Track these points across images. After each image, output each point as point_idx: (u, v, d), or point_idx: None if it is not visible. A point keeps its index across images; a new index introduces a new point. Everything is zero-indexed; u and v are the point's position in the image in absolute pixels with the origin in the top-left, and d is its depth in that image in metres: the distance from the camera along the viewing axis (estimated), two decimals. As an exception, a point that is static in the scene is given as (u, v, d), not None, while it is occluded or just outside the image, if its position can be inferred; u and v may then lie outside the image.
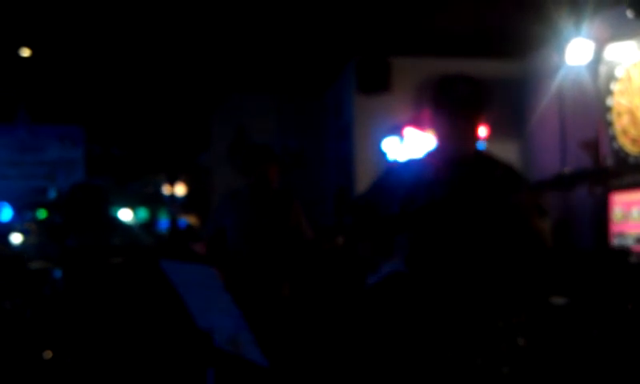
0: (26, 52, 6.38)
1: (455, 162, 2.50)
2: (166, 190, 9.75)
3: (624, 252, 4.65)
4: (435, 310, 2.41)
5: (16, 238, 7.24)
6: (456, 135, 2.48)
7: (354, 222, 2.70)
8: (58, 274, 5.30)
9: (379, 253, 2.56)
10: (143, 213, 9.03)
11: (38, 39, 6.11)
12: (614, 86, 5.13)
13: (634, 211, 4.86)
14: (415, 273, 2.44)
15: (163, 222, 9.62)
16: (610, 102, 5.17)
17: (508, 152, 4.27)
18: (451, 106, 2.46)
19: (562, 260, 4.80)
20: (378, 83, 6.56)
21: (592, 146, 5.28)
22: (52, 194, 7.92)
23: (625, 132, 5.03)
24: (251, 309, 2.47)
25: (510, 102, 6.46)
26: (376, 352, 2.59)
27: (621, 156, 5.05)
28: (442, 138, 2.51)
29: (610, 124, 5.17)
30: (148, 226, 8.83)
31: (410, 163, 2.70)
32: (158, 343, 4.97)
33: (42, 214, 7.18)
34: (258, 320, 2.24)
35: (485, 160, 2.52)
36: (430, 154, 2.59)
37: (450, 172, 2.49)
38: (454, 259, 2.42)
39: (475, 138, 2.51)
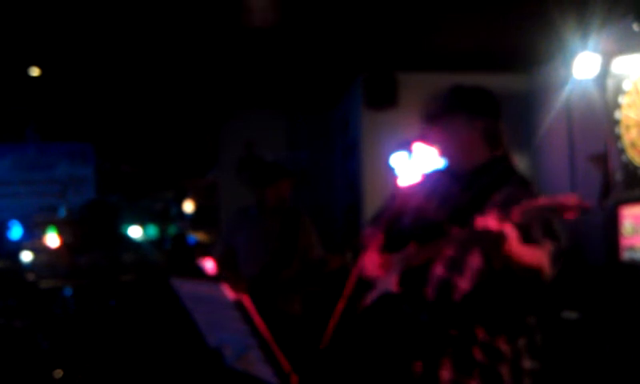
0: (35, 71, 6.43)
1: (457, 176, 2.48)
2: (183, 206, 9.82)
3: (635, 266, 4.62)
4: (428, 332, 2.37)
5: (26, 256, 7.26)
6: (443, 150, 2.49)
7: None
8: (68, 292, 5.31)
9: (379, 271, 2.55)
10: (153, 230, 9.03)
11: (47, 58, 6.16)
12: (622, 100, 5.13)
13: (645, 225, 4.85)
14: (405, 292, 2.41)
15: (173, 238, 9.65)
16: (618, 115, 5.16)
17: (516, 166, 4.27)
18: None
19: (573, 274, 4.78)
20: (385, 98, 6.58)
21: (601, 160, 5.27)
22: (62, 211, 7.95)
23: (633, 145, 5.02)
24: (262, 326, 2.47)
25: (518, 117, 6.46)
26: (375, 373, 2.57)
27: (630, 169, 5.03)
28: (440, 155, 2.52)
29: (618, 137, 5.16)
30: (158, 244, 8.83)
31: (423, 177, 2.70)
32: (169, 361, 4.97)
33: (52, 231, 7.20)
34: (268, 338, 2.24)
35: (494, 176, 2.46)
36: (440, 170, 2.59)
37: (455, 187, 2.47)
38: (446, 277, 2.38)
39: (473, 148, 2.46)
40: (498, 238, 1.98)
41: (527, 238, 2.08)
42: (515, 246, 2.00)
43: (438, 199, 2.50)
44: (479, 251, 2.25)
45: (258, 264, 4.28)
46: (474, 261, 2.28)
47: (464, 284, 2.30)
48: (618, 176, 5.10)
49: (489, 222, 1.98)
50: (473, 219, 2.13)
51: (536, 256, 2.11)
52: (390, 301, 2.45)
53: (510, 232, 1.98)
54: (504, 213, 1.99)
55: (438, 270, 2.36)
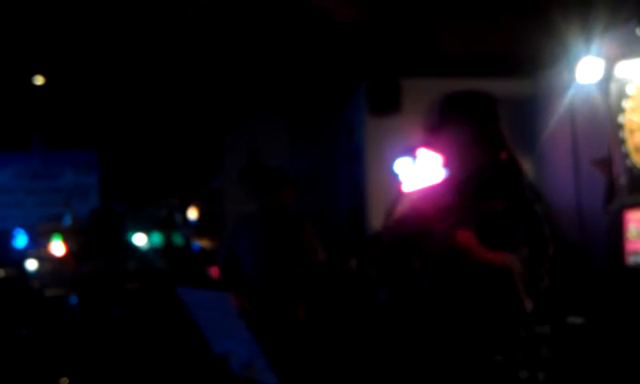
0: (39, 80, 6.46)
1: (457, 182, 2.48)
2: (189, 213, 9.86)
3: (640, 270, 4.61)
4: (421, 343, 2.37)
5: (31, 265, 7.28)
6: (443, 157, 2.48)
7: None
8: (73, 300, 5.31)
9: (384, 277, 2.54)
10: (157, 237, 9.06)
11: (51, 67, 6.19)
12: (626, 104, 5.12)
13: (649, 229, 4.84)
14: (399, 301, 2.42)
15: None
16: (621, 119, 5.16)
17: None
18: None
19: (578, 279, 4.77)
20: (389, 104, 6.58)
21: (605, 164, 5.26)
22: (67, 220, 7.98)
23: (637, 149, 5.01)
24: (266, 333, 2.47)
25: (521, 121, 6.45)
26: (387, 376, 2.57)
27: (634, 173, 5.03)
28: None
29: (622, 141, 5.15)
30: (163, 251, 8.85)
31: (428, 185, 2.69)
32: (175, 369, 4.97)
33: (57, 239, 7.22)
34: (272, 345, 2.24)
35: (488, 180, 2.43)
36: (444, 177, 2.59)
37: (453, 193, 2.46)
38: (432, 284, 2.38)
39: (470, 153, 2.44)
40: (446, 240, 2.09)
41: (490, 241, 2.13)
42: (470, 247, 2.10)
43: (438, 206, 2.49)
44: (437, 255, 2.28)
45: (261, 270, 4.28)
46: (460, 267, 2.27)
47: (450, 291, 2.29)
48: (623, 180, 5.10)
49: (441, 227, 2.04)
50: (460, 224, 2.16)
51: (502, 259, 2.14)
52: (385, 310, 2.45)
53: (464, 236, 2.07)
54: (461, 215, 2.05)
55: (427, 277, 2.36)
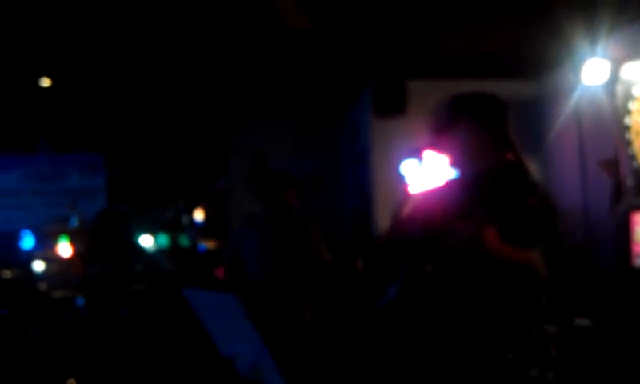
0: (46, 82, 6.48)
1: (466, 182, 2.47)
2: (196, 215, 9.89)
3: (647, 272, 4.60)
4: (433, 339, 2.37)
5: (38, 266, 7.31)
6: (451, 158, 2.48)
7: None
8: (80, 301, 5.33)
9: (390, 279, 2.55)
10: (164, 239, 9.09)
11: (57, 69, 6.20)
12: (632, 105, 5.11)
13: (657, 231, 4.82)
14: (410, 298, 2.43)
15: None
16: (628, 121, 5.14)
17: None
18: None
19: (585, 281, 4.76)
20: (394, 106, 6.58)
21: (612, 166, 5.25)
22: (74, 221, 8.00)
23: (644, 151, 5.00)
24: (272, 335, 2.48)
25: (527, 123, 6.44)
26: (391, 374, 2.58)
27: (641, 175, 5.02)
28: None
29: (629, 143, 5.14)
30: (170, 253, 8.86)
31: (435, 186, 2.69)
32: (181, 371, 4.98)
33: (64, 241, 7.24)
34: (279, 346, 2.25)
35: (500, 181, 2.43)
36: (451, 178, 2.58)
37: (463, 193, 2.46)
38: (446, 282, 2.38)
39: (479, 153, 2.45)
40: (473, 240, 2.08)
41: (513, 238, 2.14)
42: (497, 246, 2.11)
43: (447, 206, 2.50)
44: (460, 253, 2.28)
45: (266, 272, 4.28)
46: (475, 264, 2.28)
47: (463, 288, 2.30)
48: (630, 182, 5.09)
49: (466, 224, 2.04)
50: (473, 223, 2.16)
51: (525, 256, 2.16)
52: (395, 307, 2.46)
53: (489, 233, 2.08)
54: (483, 215, 2.05)
55: (440, 275, 2.36)
